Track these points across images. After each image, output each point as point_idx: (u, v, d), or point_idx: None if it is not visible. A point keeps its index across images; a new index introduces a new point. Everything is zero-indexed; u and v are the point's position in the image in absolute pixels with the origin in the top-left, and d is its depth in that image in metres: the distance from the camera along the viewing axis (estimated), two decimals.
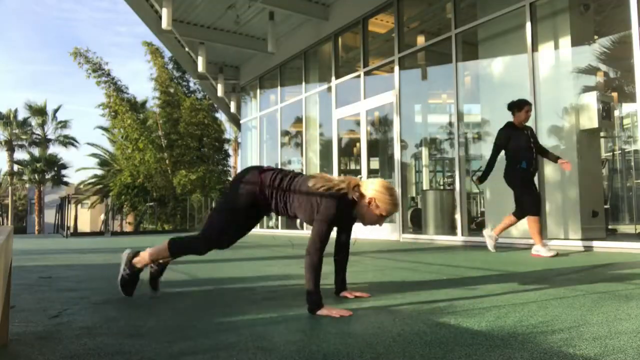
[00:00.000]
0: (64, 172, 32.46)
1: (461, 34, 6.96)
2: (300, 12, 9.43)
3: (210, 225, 2.45)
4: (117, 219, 22.72)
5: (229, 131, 22.92)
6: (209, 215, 2.58)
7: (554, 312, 2.06)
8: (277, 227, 11.38)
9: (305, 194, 2.28)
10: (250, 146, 12.98)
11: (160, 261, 2.60)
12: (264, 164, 12.26)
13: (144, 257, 2.54)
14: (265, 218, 12.07)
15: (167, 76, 18.88)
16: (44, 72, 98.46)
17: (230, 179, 21.71)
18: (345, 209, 2.26)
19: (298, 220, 10.64)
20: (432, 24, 8.54)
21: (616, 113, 7.37)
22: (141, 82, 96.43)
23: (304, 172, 10.23)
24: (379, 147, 9.39)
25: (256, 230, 12.28)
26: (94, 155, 29.04)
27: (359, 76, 8.86)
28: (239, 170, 17.48)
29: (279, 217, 11.26)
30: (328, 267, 2.36)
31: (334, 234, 2.41)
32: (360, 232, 8.57)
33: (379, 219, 2.29)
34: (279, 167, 11.35)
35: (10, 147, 31.86)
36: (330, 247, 2.27)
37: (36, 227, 30.31)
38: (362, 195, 2.26)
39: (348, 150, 10.56)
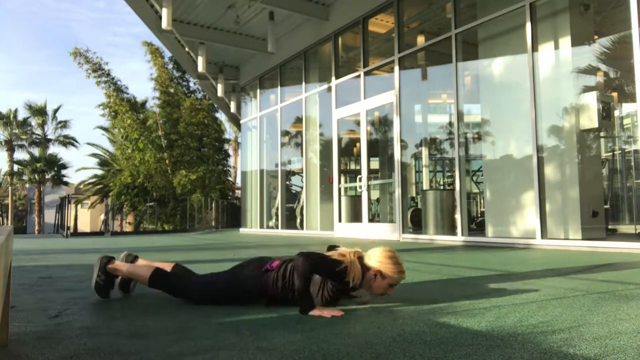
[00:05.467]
0: (64, 172, 32.52)
1: (461, 34, 6.96)
2: (300, 12, 9.43)
3: (211, 288, 2.41)
4: (117, 219, 22.75)
5: (229, 131, 22.96)
6: (217, 278, 2.45)
7: (554, 312, 2.06)
8: (277, 227, 11.37)
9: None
10: (250, 146, 12.98)
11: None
12: (264, 164, 12.26)
13: (121, 269, 2.53)
14: (265, 217, 12.07)
15: (167, 76, 18.88)
16: (43, 72, 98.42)
17: (230, 179, 21.70)
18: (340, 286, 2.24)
19: (298, 220, 10.69)
20: (432, 24, 8.54)
21: (616, 113, 7.36)
22: (141, 82, 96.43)
23: (304, 173, 10.31)
24: (379, 147, 9.39)
25: (257, 231, 12.27)
26: (94, 155, 29.12)
27: (359, 76, 8.85)
28: (239, 171, 17.47)
29: (279, 217, 11.26)
30: None
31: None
32: (360, 232, 8.55)
33: (387, 289, 2.27)
34: (279, 168, 11.35)
35: (10, 147, 31.90)
36: None
37: (36, 227, 30.32)
38: (366, 267, 2.25)
39: (348, 150, 10.56)
